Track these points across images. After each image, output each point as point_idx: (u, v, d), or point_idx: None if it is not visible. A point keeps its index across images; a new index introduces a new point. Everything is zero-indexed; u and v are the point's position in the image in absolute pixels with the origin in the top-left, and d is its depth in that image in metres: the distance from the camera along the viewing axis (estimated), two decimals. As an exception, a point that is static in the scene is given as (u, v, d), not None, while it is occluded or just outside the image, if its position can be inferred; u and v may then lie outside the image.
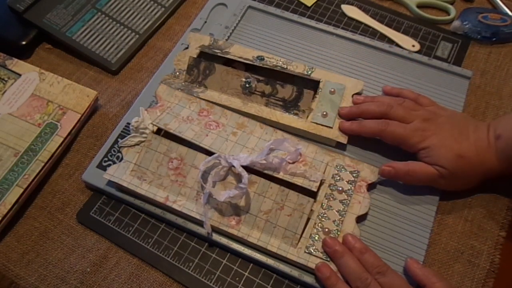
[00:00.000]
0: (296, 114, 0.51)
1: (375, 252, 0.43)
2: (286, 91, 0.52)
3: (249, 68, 0.55)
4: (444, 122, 0.47)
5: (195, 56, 0.55)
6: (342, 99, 0.52)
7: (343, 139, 0.50)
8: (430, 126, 0.47)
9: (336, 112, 0.51)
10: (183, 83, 0.54)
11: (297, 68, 0.54)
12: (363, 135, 0.49)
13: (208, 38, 0.57)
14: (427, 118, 0.47)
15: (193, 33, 0.58)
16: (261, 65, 0.54)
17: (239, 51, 0.56)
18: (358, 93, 0.53)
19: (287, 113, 0.52)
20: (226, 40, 0.59)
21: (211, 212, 0.45)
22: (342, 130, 0.50)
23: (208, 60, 0.54)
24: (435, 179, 0.46)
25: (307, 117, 0.51)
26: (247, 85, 0.52)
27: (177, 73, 0.55)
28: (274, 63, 0.54)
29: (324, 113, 0.51)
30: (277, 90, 0.52)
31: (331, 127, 0.50)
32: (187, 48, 0.57)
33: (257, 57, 0.55)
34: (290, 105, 0.52)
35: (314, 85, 0.53)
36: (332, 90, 0.52)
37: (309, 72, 0.54)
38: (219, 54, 0.55)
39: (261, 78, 0.52)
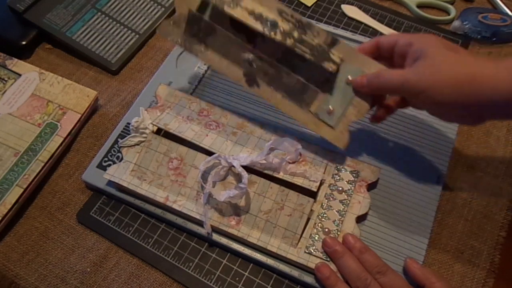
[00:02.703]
0: (298, 104, 0.46)
1: (375, 252, 0.43)
2: (291, 80, 0.46)
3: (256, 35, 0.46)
4: None
5: (195, 8, 0.47)
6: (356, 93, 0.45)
7: (341, 144, 0.46)
8: None
9: (343, 108, 0.45)
10: (183, 35, 0.48)
11: (317, 37, 0.45)
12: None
13: None
14: None
15: None
16: (270, 36, 0.45)
17: (251, 5, 0.46)
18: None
19: (288, 100, 0.46)
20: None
21: (211, 212, 0.45)
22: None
23: (211, 17, 0.47)
24: (406, 76, 0.40)
25: (311, 107, 0.46)
26: (247, 64, 0.47)
27: (178, 20, 0.48)
28: (288, 31, 0.45)
29: (331, 108, 0.46)
30: (281, 75, 0.46)
31: (333, 128, 0.46)
32: None
33: (270, 22, 0.45)
34: (294, 93, 0.46)
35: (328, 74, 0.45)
36: (349, 79, 0.45)
37: (331, 46, 0.45)
38: (224, 9, 0.46)
39: (265, 57, 0.46)
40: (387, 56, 0.44)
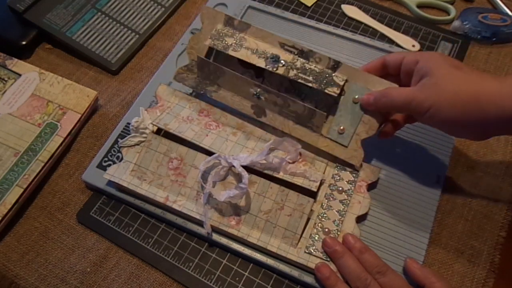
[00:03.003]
0: (309, 128, 0.48)
1: (375, 252, 0.43)
2: (298, 107, 0.47)
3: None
4: None
5: (204, 54, 0.50)
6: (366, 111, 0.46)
7: (356, 161, 0.47)
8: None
9: (355, 127, 0.46)
10: (196, 79, 0.51)
11: (319, 62, 0.47)
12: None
13: (223, 17, 0.50)
14: None
15: (206, 8, 0.51)
16: (273, 71, 0.47)
17: (254, 43, 0.48)
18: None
19: (299, 125, 0.48)
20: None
21: (211, 212, 0.45)
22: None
23: (218, 57, 0.50)
24: (412, 95, 0.40)
25: (322, 130, 0.47)
26: (256, 97, 0.49)
27: (191, 66, 0.51)
28: (290, 61, 0.47)
29: (341, 128, 0.47)
30: (288, 103, 0.48)
31: (346, 146, 0.47)
32: (193, 33, 0.53)
33: (271, 57, 0.47)
34: (303, 119, 0.48)
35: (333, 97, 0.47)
36: (356, 97, 0.46)
37: (334, 70, 0.47)
38: (229, 52, 0.48)
39: (271, 89, 0.48)
40: (394, 74, 0.45)
